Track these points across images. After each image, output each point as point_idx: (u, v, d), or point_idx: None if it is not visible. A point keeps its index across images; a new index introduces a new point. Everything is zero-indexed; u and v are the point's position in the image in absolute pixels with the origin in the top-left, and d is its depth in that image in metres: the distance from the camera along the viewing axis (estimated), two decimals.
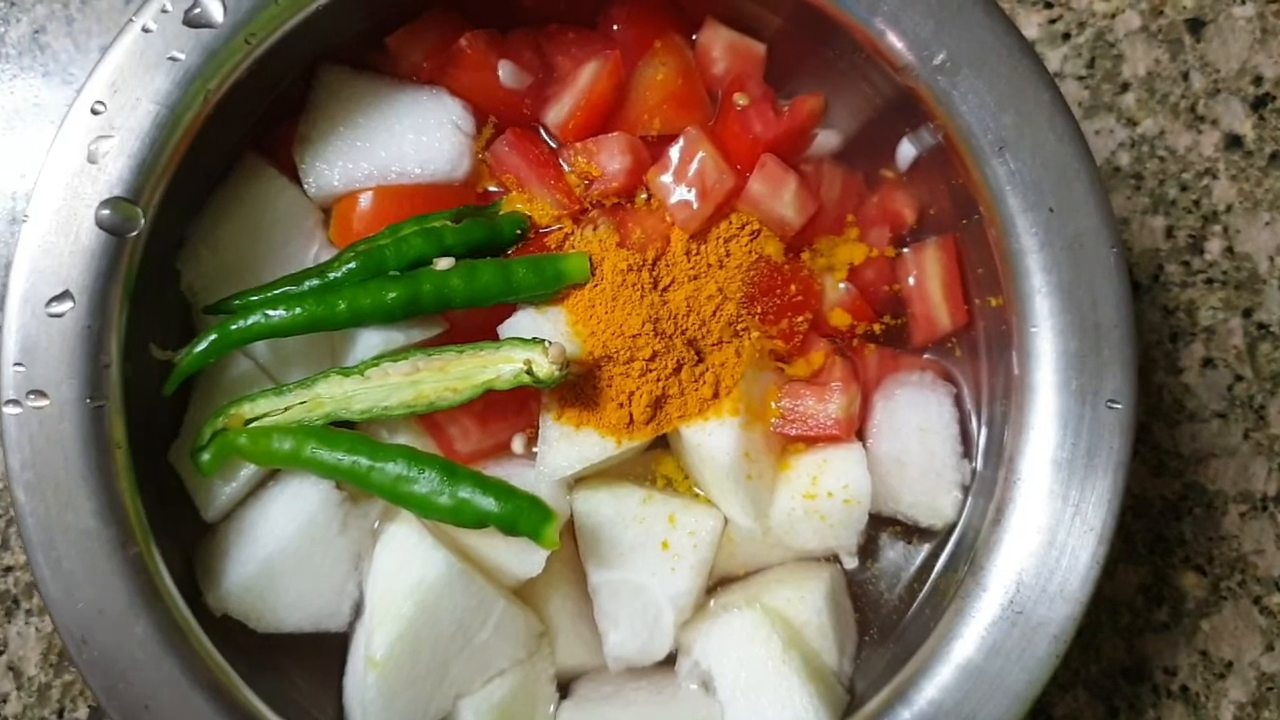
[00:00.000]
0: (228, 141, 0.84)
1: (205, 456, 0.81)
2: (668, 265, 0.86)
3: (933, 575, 0.87)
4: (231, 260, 0.84)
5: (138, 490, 0.76)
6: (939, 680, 0.77)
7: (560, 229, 0.88)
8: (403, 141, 0.86)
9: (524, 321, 0.84)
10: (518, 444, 0.86)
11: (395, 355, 0.81)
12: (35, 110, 1.06)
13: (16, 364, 0.74)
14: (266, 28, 0.77)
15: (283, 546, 0.82)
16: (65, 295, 0.74)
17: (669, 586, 0.85)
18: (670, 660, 0.87)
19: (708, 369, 0.85)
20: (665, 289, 0.86)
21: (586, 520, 0.85)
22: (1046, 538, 0.77)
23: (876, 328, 0.91)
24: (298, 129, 0.87)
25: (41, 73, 1.06)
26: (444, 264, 0.81)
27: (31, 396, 0.74)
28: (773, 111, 0.88)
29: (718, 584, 0.89)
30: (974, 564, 0.79)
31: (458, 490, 0.78)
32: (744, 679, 0.83)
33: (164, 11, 0.75)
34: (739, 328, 0.86)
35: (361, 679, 0.80)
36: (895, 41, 0.79)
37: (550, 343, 0.78)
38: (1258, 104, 1.07)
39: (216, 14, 0.76)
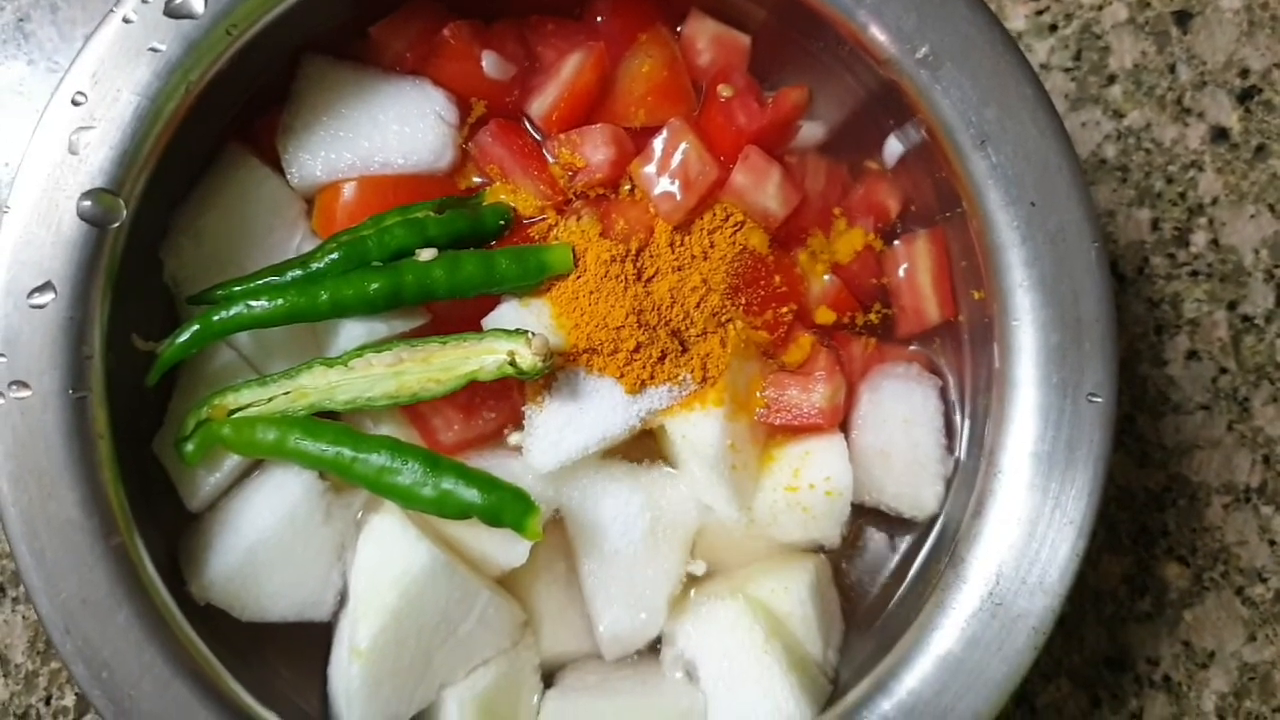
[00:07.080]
0: (210, 132, 0.84)
1: (189, 447, 0.81)
2: (651, 256, 0.86)
3: (914, 567, 0.87)
4: (214, 250, 0.84)
5: (121, 480, 0.76)
6: (919, 671, 0.78)
7: (544, 220, 0.88)
8: (386, 132, 0.86)
9: (507, 313, 0.84)
10: (514, 438, 0.86)
11: (379, 346, 0.81)
12: (19, 98, 1.05)
13: None
14: (248, 19, 0.77)
15: (266, 536, 0.82)
16: (47, 286, 0.74)
17: (659, 564, 0.85)
18: (655, 650, 0.87)
19: (692, 360, 0.85)
20: (649, 280, 0.85)
21: (574, 504, 0.85)
22: (1026, 530, 0.77)
23: (873, 317, 0.91)
24: (281, 119, 0.86)
25: (26, 60, 1.06)
26: (427, 255, 0.81)
27: (14, 387, 0.74)
28: (757, 103, 0.87)
29: (703, 574, 0.89)
30: (955, 556, 0.79)
31: (441, 481, 0.78)
32: (727, 669, 0.84)
33: (145, 2, 0.75)
34: (723, 319, 0.86)
35: (346, 669, 0.81)
36: (879, 34, 0.79)
37: (533, 334, 0.78)
38: (1244, 96, 1.07)
39: (197, 5, 0.76)
